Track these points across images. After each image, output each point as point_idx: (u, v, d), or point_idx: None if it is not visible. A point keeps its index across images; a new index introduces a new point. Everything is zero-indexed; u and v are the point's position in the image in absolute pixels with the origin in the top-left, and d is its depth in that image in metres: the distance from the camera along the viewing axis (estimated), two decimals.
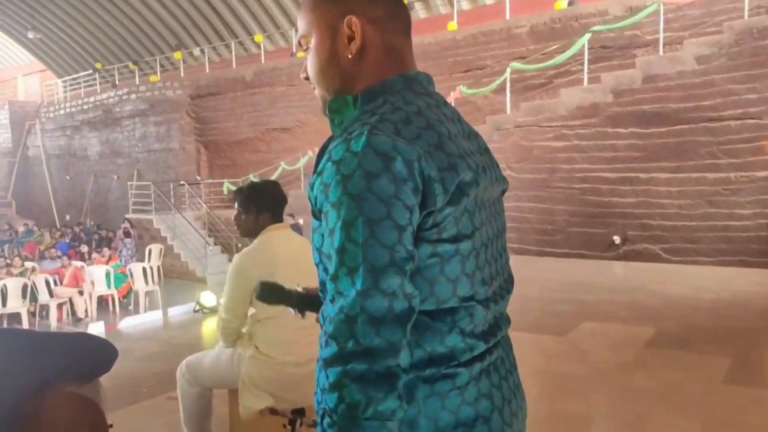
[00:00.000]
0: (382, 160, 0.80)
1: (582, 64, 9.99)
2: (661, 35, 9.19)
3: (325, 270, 0.86)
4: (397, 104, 0.88)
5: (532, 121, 9.94)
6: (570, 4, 11.46)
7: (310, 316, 2.34)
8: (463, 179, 0.86)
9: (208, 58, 18.43)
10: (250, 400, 2.29)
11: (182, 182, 15.57)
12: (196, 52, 19.38)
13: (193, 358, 2.53)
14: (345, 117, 0.94)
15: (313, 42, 0.96)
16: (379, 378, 0.78)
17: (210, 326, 5.49)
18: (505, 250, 1.02)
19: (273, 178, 14.07)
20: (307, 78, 1.01)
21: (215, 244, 14.13)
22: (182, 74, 18.57)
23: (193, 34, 19.99)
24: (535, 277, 7.66)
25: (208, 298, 5.74)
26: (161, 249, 13.62)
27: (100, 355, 1.85)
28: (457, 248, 0.86)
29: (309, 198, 0.91)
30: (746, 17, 8.48)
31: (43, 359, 1.63)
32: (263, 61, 16.42)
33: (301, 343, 2.31)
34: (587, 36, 9.76)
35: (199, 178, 16.56)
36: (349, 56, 0.94)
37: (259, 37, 16.98)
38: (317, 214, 0.88)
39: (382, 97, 0.91)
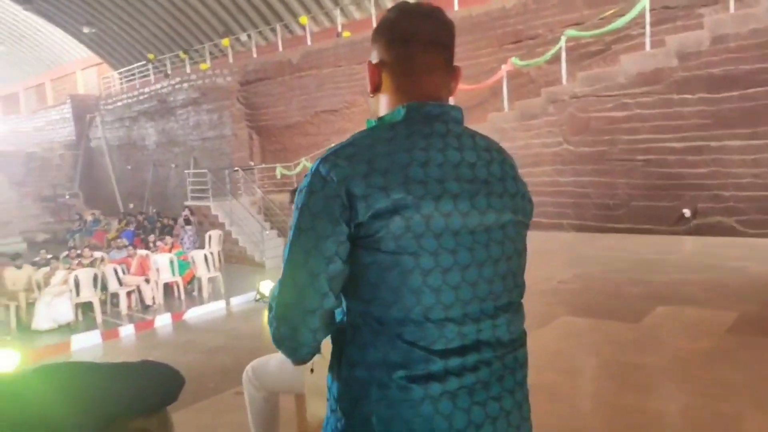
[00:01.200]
0: (321, 182, 1.00)
1: (643, 27, 9.41)
2: None
3: None
4: (365, 135, 1.05)
5: (589, 91, 9.48)
6: None
7: None
8: (398, 201, 0.98)
9: (255, 43, 18.54)
10: (317, 407, 2.25)
11: (236, 168, 15.85)
12: (243, 37, 19.52)
13: (259, 361, 2.51)
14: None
15: None
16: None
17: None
18: (505, 278, 1.07)
19: None
20: None
21: (271, 228, 14.37)
22: (231, 61, 18.77)
23: (239, 20, 20.11)
24: (598, 255, 7.37)
25: (267, 287, 5.79)
26: (220, 235, 13.96)
27: (166, 385, 1.80)
28: (397, 261, 0.98)
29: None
30: None
31: (107, 392, 1.59)
32: (309, 43, 16.36)
33: None
34: None
35: (252, 163, 16.81)
36: (369, 94, 1.16)
37: (304, 19, 16.90)
38: None
39: (377, 127, 1.08)
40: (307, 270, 0.99)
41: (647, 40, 9.23)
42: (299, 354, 1.05)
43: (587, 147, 9.35)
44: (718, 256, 6.45)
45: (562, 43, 10.07)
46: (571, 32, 10.11)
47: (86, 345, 4.88)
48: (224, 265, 13.16)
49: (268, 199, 14.87)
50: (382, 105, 1.13)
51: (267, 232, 13.98)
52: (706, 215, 8.27)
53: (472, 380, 1.02)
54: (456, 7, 13.09)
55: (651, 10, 9.26)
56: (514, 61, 10.78)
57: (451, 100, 1.19)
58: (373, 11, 15.27)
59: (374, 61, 1.14)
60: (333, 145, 1.07)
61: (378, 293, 1.00)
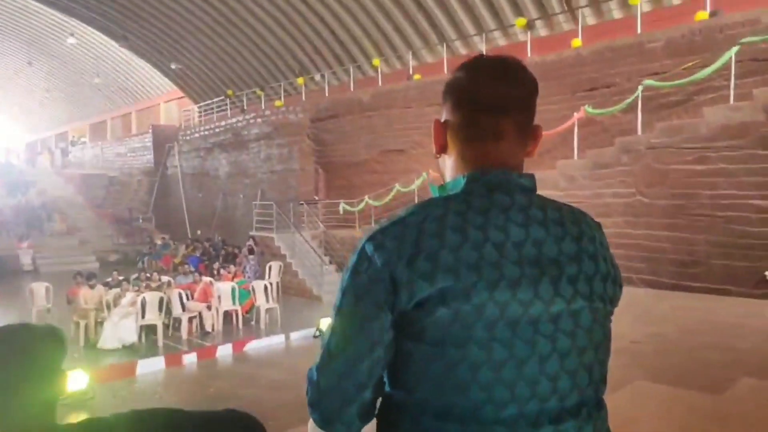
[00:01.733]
0: (367, 262, 0.94)
1: (727, 79, 9.03)
2: None
3: None
4: (418, 209, 0.97)
5: (667, 143, 9.13)
6: (712, 14, 10.46)
7: None
8: (445, 290, 0.89)
9: (328, 83, 19.14)
10: None
11: (301, 202, 16.19)
12: (317, 77, 20.22)
13: None
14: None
15: None
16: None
17: None
18: (578, 374, 0.94)
19: (387, 199, 14.19)
20: None
21: (330, 263, 14.48)
22: (303, 98, 19.43)
23: (314, 60, 20.90)
24: (672, 315, 6.93)
25: (327, 324, 5.78)
26: (281, 266, 14.19)
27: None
28: (441, 352, 0.90)
29: None
30: None
31: None
32: (380, 84, 16.73)
33: None
34: (735, 48, 8.82)
35: (316, 198, 17.14)
36: (435, 154, 1.08)
37: (377, 61, 17.35)
38: None
39: (439, 198, 1.00)
40: (346, 357, 0.94)
41: (731, 93, 8.84)
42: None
43: (664, 200, 8.95)
44: None
45: (639, 92, 9.81)
46: (649, 82, 9.84)
47: (150, 369, 4.98)
48: (283, 296, 13.33)
49: (329, 233, 15.04)
50: (448, 168, 1.06)
51: (326, 266, 14.09)
52: None
53: None
54: (529, 54, 13.07)
55: (737, 62, 8.91)
56: (587, 109, 10.58)
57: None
58: (444, 55, 15.49)
59: (442, 119, 1.07)
60: (384, 220, 1.00)
61: (420, 385, 0.92)
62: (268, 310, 11.04)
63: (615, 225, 9.53)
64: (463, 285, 0.89)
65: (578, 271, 0.96)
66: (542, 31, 14.49)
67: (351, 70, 18.30)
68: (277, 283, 13.53)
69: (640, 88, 9.83)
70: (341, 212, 15.46)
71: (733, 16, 9.96)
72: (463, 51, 16.58)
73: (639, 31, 11.38)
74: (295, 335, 5.79)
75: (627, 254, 9.21)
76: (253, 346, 5.38)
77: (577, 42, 12.16)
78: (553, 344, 0.92)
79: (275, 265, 14.13)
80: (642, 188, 9.33)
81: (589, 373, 0.96)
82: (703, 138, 8.68)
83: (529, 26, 13.63)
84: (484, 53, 1.10)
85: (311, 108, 17.97)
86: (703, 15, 10.52)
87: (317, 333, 6.27)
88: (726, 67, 8.98)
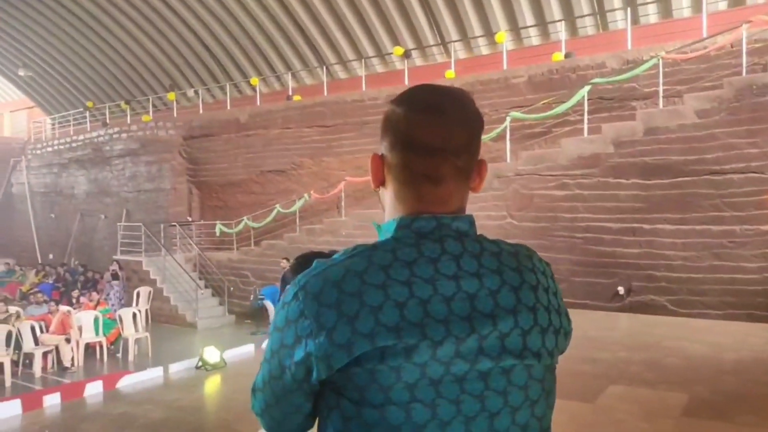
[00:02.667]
0: (285, 323, 0.90)
1: (581, 114, 10.09)
2: (661, 88, 9.34)
3: None
4: (340, 261, 0.90)
5: (532, 170, 9.95)
6: (567, 56, 11.66)
7: None
8: (361, 356, 0.84)
9: (202, 99, 18.42)
10: None
11: (173, 223, 15.29)
12: (190, 93, 19.37)
13: None
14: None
15: None
16: None
17: (213, 385, 5.20)
18: (523, 429, 0.90)
19: (268, 220, 13.88)
20: None
21: (206, 287, 13.80)
22: (175, 114, 18.49)
23: (187, 75, 20.03)
24: None
25: (212, 354, 5.44)
26: (150, 292, 13.23)
27: None
28: (358, 411, 0.85)
29: None
30: (744, 73, 8.66)
31: None
32: (258, 103, 16.43)
33: None
34: (587, 88, 9.89)
35: (190, 219, 16.29)
36: (373, 187, 1.01)
37: (255, 80, 17.03)
38: None
39: (351, 252, 0.92)
40: (266, 399, 0.96)
41: (585, 127, 9.88)
42: None
43: (531, 222, 9.70)
44: (655, 335, 6.70)
45: (507, 123, 10.60)
46: (516, 114, 10.69)
47: (2, 416, 4.25)
48: (153, 324, 12.42)
49: (205, 256, 14.34)
50: (387, 205, 0.99)
51: (201, 291, 13.40)
52: (639, 293, 8.67)
53: None
54: (406, 82, 13.61)
55: (588, 99, 9.99)
56: None
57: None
58: (324, 78, 15.62)
59: (379, 153, 0.98)
60: (315, 263, 0.94)
61: None
62: (137, 341, 10.21)
63: None
64: (379, 349, 0.84)
65: (513, 326, 0.89)
66: (418, 60, 15.18)
67: (227, 87, 17.79)
68: (147, 310, 12.60)
69: (508, 119, 10.64)
70: (217, 234, 14.83)
71: (584, 59, 11.18)
72: (342, 75, 16.84)
73: (505, 66, 12.34)
74: (174, 367, 5.39)
75: None
76: (126, 381, 4.91)
77: (450, 73, 12.88)
78: (482, 403, 0.86)
79: (144, 291, 13.15)
80: (512, 211, 10.05)
81: (523, 431, 0.90)
82: (562, 166, 9.58)
83: (406, 55, 14.22)
84: (420, 83, 1.00)
85: (184, 125, 17.15)
86: (558, 56, 11.69)
87: (200, 364, 5.94)
88: (579, 103, 10.03)
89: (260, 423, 1.01)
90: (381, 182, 0.99)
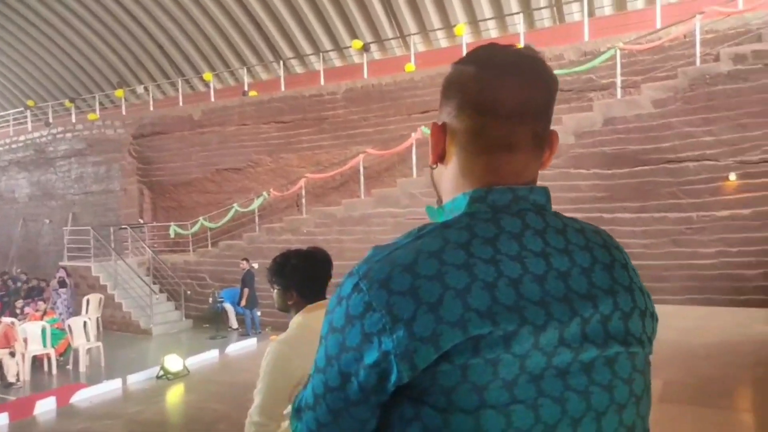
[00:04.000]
0: (347, 322, 0.74)
1: None
2: (618, 79, 9.45)
3: None
4: (410, 242, 0.76)
5: None
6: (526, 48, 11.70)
7: None
8: (452, 349, 0.69)
9: (152, 96, 17.74)
10: None
11: (124, 226, 14.65)
12: (140, 89, 18.64)
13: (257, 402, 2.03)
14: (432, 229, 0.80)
15: None
16: None
17: (176, 395, 4.89)
18: None
19: (225, 220, 13.45)
20: None
21: (161, 291, 13.27)
22: (124, 112, 17.75)
23: (135, 71, 19.28)
24: None
25: (173, 363, 5.12)
26: (101, 299, 12.61)
27: None
28: (447, 421, 0.70)
29: None
30: (698, 63, 8.85)
31: None
32: (213, 99, 15.92)
33: None
34: None
35: (141, 221, 15.66)
36: (431, 164, 0.88)
37: (208, 75, 16.50)
38: None
39: (443, 222, 0.79)
40: (318, 418, 0.79)
41: None
42: None
43: None
44: None
45: None
46: None
47: None
48: (105, 332, 11.85)
49: (159, 259, 13.80)
50: (446, 183, 0.85)
51: (156, 296, 12.87)
52: None
53: None
54: (366, 76, 13.42)
55: None
56: (424, 130, 11.11)
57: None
58: (281, 73, 15.26)
59: (440, 122, 0.85)
60: (372, 249, 0.79)
61: None
62: (88, 351, 9.68)
63: None
64: (472, 338, 0.70)
65: (613, 309, 0.78)
66: (376, 54, 15.01)
67: (179, 83, 17.17)
68: (98, 318, 12.01)
69: None
70: (172, 236, 14.28)
71: (543, 50, 11.23)
72: (299, 70, 16.51)
73: None
74: (133, 378, 5.04)
75: None
76: (82, 396, 4.53)
77: (410, 67, 12.77)
78: (587, 401, 0.74)
79: (94, 299, 12.52)
80: None
81: None
82: None
83: (365, 49, 14.02)
84: (496, 42, 0.81)
85: (133, 123, 16.46)
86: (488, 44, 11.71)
87: (161, 373, 5.60)
88: None
89: None
90: (441, 156, 0.85)
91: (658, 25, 10.12)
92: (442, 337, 0.69)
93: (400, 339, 0.70)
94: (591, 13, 12.16)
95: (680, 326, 6.38)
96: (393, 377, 0.71)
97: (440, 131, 0.85)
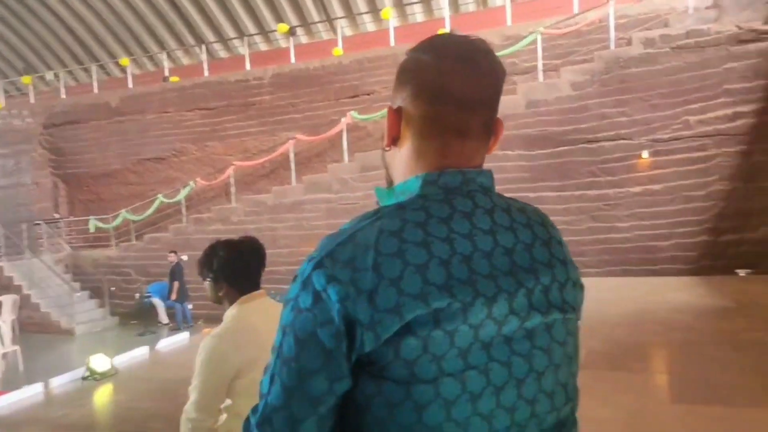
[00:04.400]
0: (312, 298, 0.77)
1: None
2: (540, 62, 9.78)
3: None
4: (367, 222, 0.81)
5: None
6: (452, 32, 11.88)
7: None
8: (413, 320, 0.74)
9: (64, 83, 16.66)
10: None
11: (37, 221, 13.77)
12: (49, 76, 17.45)
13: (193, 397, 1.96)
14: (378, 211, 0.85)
15: None
16: None
17: (104, 396, 4.67)
18: (555, 393, 0.84)
19: (150, 212, 12.93)
20: None
21: (82, 289, 12.60)
22: (32, 101, 16.58)
23: (44, 56, 18.01)
24: None
25: (100, 362, 4.88)
26: (15, 300, 11.80)
27: None
28: (409, 392, 0.75)
29: None
30: (612, 47, 9.29)
31: None
32: (131, 86, 15.15)
33: None
34: None
35: (57, 215, 14.77)
36: (385, 147, 0.91)
37: (125, 60, 15.67)
38: None
39: (389, 203, 0.85)
40: (287, 414, 0.78)
41: None
42: None
43: None
44: None
45: None
46: None
47: None
48: (22, 335, 11.12)
49: (78, 255, 13.09)
50: (398, 165, 0.90)
51: (78, 293, 12.22)
52: None
53: None
54: (293, 60, 13.18)
55: None
56: (354, 115, 11.07)
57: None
58: (204, 57, 14.72)
59: (394, 106, 0.89)
60: (326, 237, 0.82)
61: None
62: (4, 356, 9.06)
63: None
64: (432, 310, 0.75)
65: (552, 280, 0.85)
66: (303, 38, 14.76)
67: (93, 69, 16.21)
68: (13, 320, 11.22)
69: None
70: (92, 230, 13.57)
71: (468, 35, 11.43)
72: (223, 54, 15.99)
73: (392, 43, 12.33)
74: (57, 381, 4.77)
75: None
76: (1, 403, 4.25)
77: (338, 51, 12.66)
78: (530, 363, 0.81)
79: (7, 300, 11.67)
80: None
81: (564, 390, 0.86)
82: None
83: (291, 33, 13.75)
84: (451, 32, 0.92)
85: (43, 112, 15.42)
86: (443, 33, 11.86)
87: (87, 374, 5.33)
88: None
89: None
90: (395, 140, 0.90)
91: (576, 11, 10.53)
92: (405, 308, 0.74)
93: (365, 309, 0.74)
94: None
95: (599, 297, 6.76)
96: (358, 344, 0.75)
97: (395, 115, 0.88)
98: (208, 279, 2.03)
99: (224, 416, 1.95)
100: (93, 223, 13.49)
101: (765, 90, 8.06)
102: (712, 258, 8.38)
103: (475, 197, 0.85)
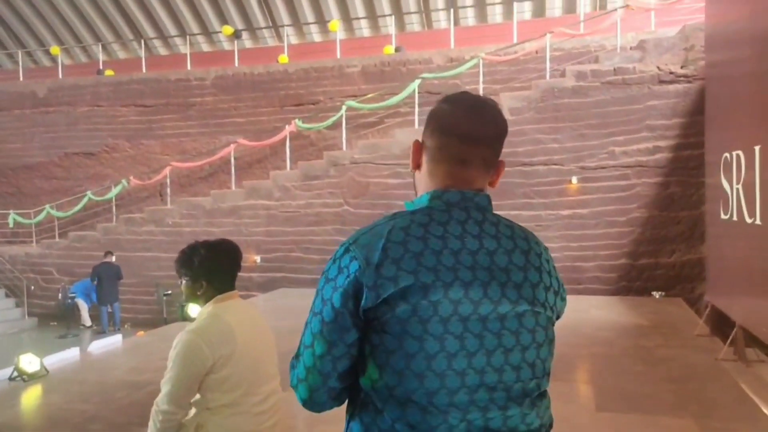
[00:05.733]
0: (337, 270, 1.08)
1: (411, 106, 10.65)
2: (481, 86, 10.23)
3: None
4: (387, 221, 1.10)
5: (368, 158, 10.25)
6: (397, 50, 12.18)
7: (269, 397, 2.04)
8: (406, 288, 1.02)
9: None
10: None
11: None
12: None
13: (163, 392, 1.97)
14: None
15: None
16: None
17: (35, 398, 4.46)
18: (521, 369, 1.06)
19: (76, 209, 12.37)
20: None
21: None
22: None
23: None
24: None
25: (30, 363, 4.65)
26: None
27: None
28: (401, 344, 1.02)
29: None
30: (548, 77, 9.87)
31: None
32: (61, 76, 14.44)
33: (261, 429, 1.99)
34: (417, 81, 10.46)
35: None
36: (412, 170, 1.23)
37: (55, 49, 14.92)
38: None
39: (395, 214, 1.14)
40: (314, 352, 1.08)
41: (416, 118, 10.45)
42: (317, 409, 1.14)
43: (367, 209, 9.99)
44: None
45: (343, 111, 10.76)
46: (351, 103, 10.89)
47: None
48: None
49: None
50: (420, 184, 1.20)
51: None
52: None
53: None
54: (237, 63, 13.05)
55: (418, 93, 10.58)
56: (298, 123, 11.10)
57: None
58: (143, 53, 14.28)
59: (420, 141, 1.20)
60: (358, 230, 1.13)
61: (383, 374, 1.03)
62: None
63: (326, 233, 10.24)
64: (421, 283, 1.02)
65: (524, 279, 1.09)
66: (248, 42, 14.64)
67: (20, 56, 15.34)
68: None
69: (344, 108, 10.80)
70: (11, 225, 12.78)
71: (413, 54, 11.79)
72: (163, 51, 15.57)
73: (338, 55, 12.49)
74: None
75: None
76: None
77: (284, 58, 12.66)
78: (499, 340, 1.04)
79: None
80: (348, 198, 10.25)
81: (531, 369, 1.07)
82: (395, 156, 10.03)
83: (236, 36, 13.61)
84: (462, 91, 1.28)
85: None
86: (389, 50, 12.16)
87: (15, 374, 5.05)
88: (410, 96, 10.57)
89: (302, 392, 1.11)
90: (418, 165, 1.19)
91: (515, 40, 11.10)
92: (400, 278, 1.02)
93: (370, 275, 1.03)
94: (456, 22, 12.97)
95: None
96: (363, 301, 1.03)
97: (418, 146, 1.20)
98: (186, 278, 2.09)
99: (193, 410, 2.00)
100: (12, 218, 12.72)
101: (681, 128, 8.85)
102: (629, 279, 9.05)
103: (470, 211, 1.12)
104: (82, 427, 3.62)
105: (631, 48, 9.83)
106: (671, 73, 9.00)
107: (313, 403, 1.12)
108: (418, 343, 1.00)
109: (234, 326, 1.99)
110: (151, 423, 1.96)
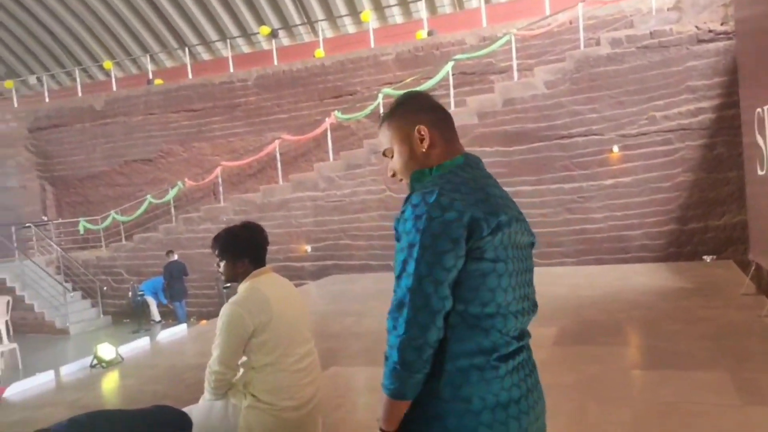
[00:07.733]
0: (441, 210, 1.25)
1: (446, 89, 10.76)
2: (515, 63, 10.23)
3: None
4: (458, 174, 1.36)
5: None
6: (430, 34, 12.28)
7: (304, 358, 2.35)
8: (501, 220, 1.31)
9: (47, 87, 16.76)
10: None
11: (27, 224, 13.91)
12: (32, 80, 17.51)
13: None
14: (423, 182, 1.39)
15: (396, 149, 1.45)
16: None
17: (113, 381, 5.00)
18: (531, 284, 1.44)
19: (138, 213, 13.16)
20: (394, 175, 1.49)
21: (75, 289, 12.82)
22: (15, 105, 16.65)
23: (26, 61, 18.07)
24: None
25: (107, 351, 5.21)
26: (8, 301, 11.98)
27: (176, 425, 2.11)
28: (494, 267, 1.29)
29: (395, 227, 1.35)
30: (582, 47, 9.77)
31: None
32: (115, 88, 15.32)
33: (299, 385, 2.29)
34: (450, 63, 10.55)
35: (45, 218, 14.91)
36: (423, 150, 1.42)
37: (108, 64, 15.83)
38: (398, 238, 1.33)
39: (450, 170, 1.38)
40: (432, 279, 1.24)
41: (451, 100, 10.56)
42: (421, 357, 1.24)
43: (405, 194, 10.21)
44: None
45: (380, 99, 10.99)
46: (387, 90, 11.10)
47: None
48: (16, 335, 11.32)
49: (69, 257, 13.28)
50: (433, 156, 1.41)
51: (71, 294, 12.43)
52: None
53: (522, 358, 1.37)
54: (276, 62, 13.48)
55: (452, 74, 10.67)
56: (337, 114, 11.42)
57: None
58: (187, 60, 14.95)
59: (414, 129, 1.42)
60: (419, 192, 1.30)
61: (478, 294, 1.28)
62: (2, 354, 9.32)
63: (371, 219, 10.56)
64: (506, 217, 1.31)
65: (524, 217, 1.45)
66: (285, 40, 15.05)
67: (76, 72, 16.34)
68: (7, 321, 11.42)
69: (380, 96, 11.02)
70: (81, 232, 13.76)
71: (445, 36, 11.86)
72: (206, 57, 16.22)
73: (372, 45, 12.70)
74: (66, 369, 5.09)
75: (382, 244, 10.30)
76: (13, 390, 4.55)
77: (320, 53, 12.98)
78: (525, 263, 1.40)
79: (1, 302, 11.89)
80: (389, 184, 10.51)
81: (532, 286, 1.45)
82: None
83: (273, 35, 14.05)
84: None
85: (27, 115, 15.53)
86: (421, 35, 12.27)
87: (95, 362, 5.63)
88: (445, 78, 10.68)
89: (406, 336, 1.21)
90: (433, 143, 1.45)
91: (548, 12, 10.99)
92: (497, 213, 1.30)
93: (480, 211, 1.27)
94: (487, 0, 12.91)
95: (572, 283, 7.24)
96: (480, 231, 1.27)
97: (427, 128, 1.44)
98: (227, 259, 2.39)
99: (241, 371, 2.34)
100: (82, 225, 13.68)
101: (723, 87, 8.61)
102: (679, 245, 8.92)
103: (479, 166, 1.44)
104: (155, 404, 4.06)
105: (668, 9, 9.59)
106: (710, 31, 8.74)
107: (429, 334, 1.23)
108: (504, 265, 1.30)
109: (270, 297, 2.30)
110: (206, 383, 2.32)
